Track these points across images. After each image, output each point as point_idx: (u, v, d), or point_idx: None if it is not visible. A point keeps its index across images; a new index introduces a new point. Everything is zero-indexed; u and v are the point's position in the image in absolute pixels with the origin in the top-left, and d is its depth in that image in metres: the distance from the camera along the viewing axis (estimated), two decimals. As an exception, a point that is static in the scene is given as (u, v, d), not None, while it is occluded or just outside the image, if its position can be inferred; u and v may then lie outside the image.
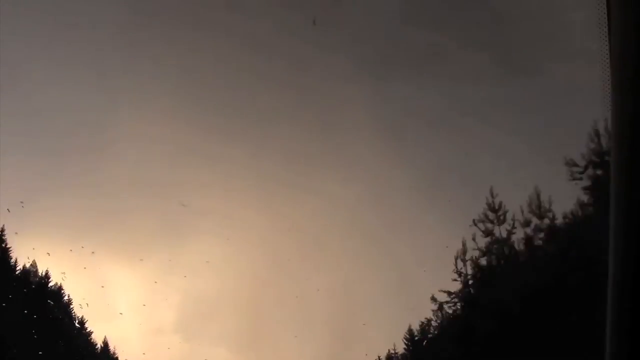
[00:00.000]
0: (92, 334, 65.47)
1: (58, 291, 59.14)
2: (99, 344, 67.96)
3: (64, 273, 72.35)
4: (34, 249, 74.55)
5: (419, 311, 47.65)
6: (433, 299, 40.76)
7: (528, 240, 30.05)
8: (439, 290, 41.68)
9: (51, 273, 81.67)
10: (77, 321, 63.04)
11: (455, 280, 36.28)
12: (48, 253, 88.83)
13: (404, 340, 48.46)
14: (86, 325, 64.42)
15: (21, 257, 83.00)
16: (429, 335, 42.63)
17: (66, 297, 69.40)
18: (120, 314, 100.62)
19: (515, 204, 32.21)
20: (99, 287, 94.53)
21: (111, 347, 71.15)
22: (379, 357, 58.83)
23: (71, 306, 61.40)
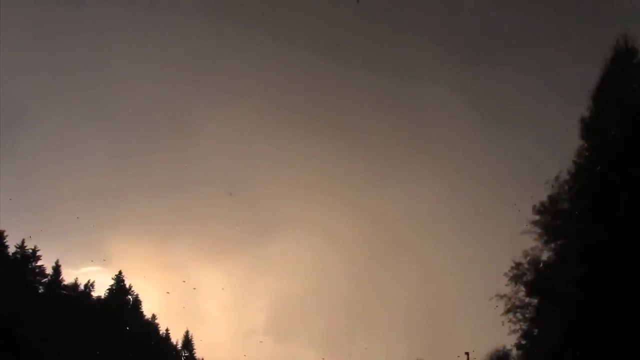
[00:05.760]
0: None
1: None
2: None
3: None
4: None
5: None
6: None
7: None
8: None
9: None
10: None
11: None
12: (144, 276, 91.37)
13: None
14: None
15: (111, 266, 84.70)
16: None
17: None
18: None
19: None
20: (192, 290, 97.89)
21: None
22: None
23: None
